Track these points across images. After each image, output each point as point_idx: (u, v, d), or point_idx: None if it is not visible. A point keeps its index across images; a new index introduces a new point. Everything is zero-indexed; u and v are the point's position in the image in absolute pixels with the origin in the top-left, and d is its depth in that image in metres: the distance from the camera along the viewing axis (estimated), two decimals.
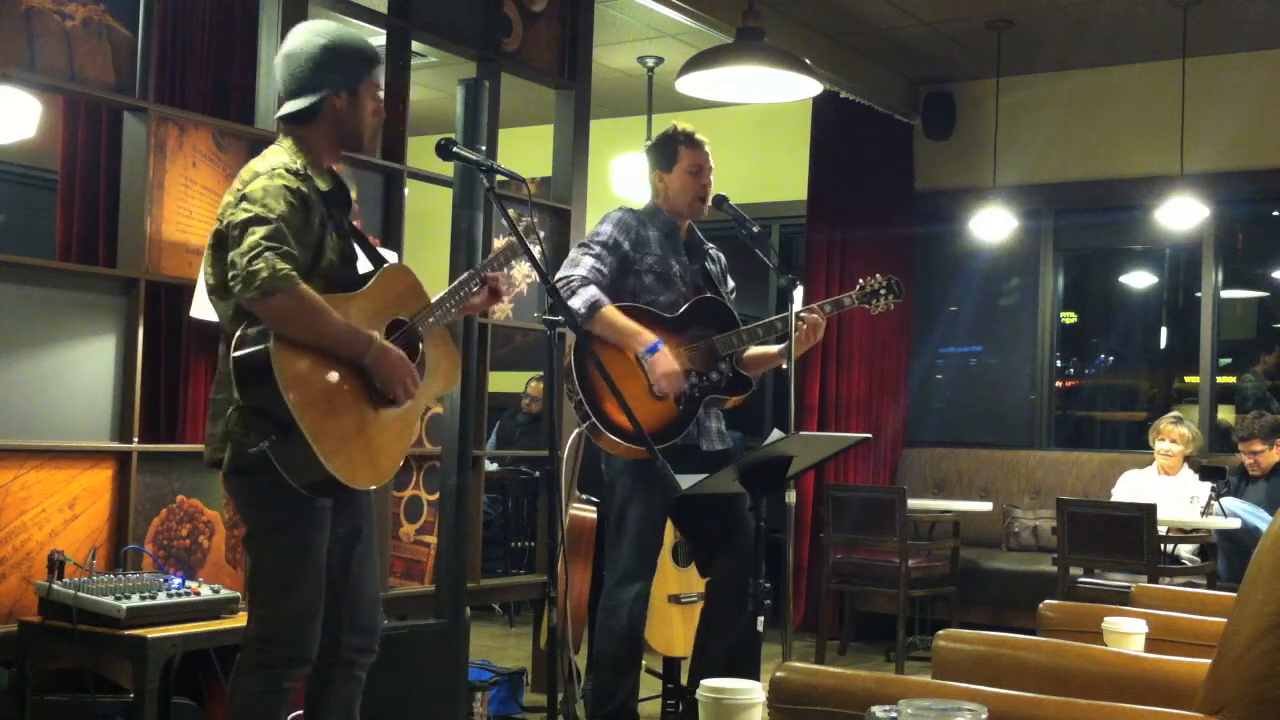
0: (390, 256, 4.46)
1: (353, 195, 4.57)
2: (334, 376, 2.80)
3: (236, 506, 2.92)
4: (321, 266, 2.87)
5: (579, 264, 3.85)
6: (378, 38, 5.13)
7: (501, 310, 5.27)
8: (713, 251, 4.17)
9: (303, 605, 2.87)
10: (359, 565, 3.04)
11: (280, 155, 2.88)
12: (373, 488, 2.94)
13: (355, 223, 3.19)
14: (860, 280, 4.06)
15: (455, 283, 3.17)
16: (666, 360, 3.83)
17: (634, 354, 3.83)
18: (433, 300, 3.10)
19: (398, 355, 2.88)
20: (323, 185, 2.90)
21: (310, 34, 2.96)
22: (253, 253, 2.68)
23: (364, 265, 3.05)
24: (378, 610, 3.12)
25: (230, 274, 2.73)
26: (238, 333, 2.76)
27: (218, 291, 2.85)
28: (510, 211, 3.31)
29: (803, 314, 3.87)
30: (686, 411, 3.88)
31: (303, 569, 2.86)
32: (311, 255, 2.84)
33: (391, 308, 2.98)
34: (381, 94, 3.04)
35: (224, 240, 2.79)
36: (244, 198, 2.77)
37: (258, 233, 2.70)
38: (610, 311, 3.82)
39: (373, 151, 4.49)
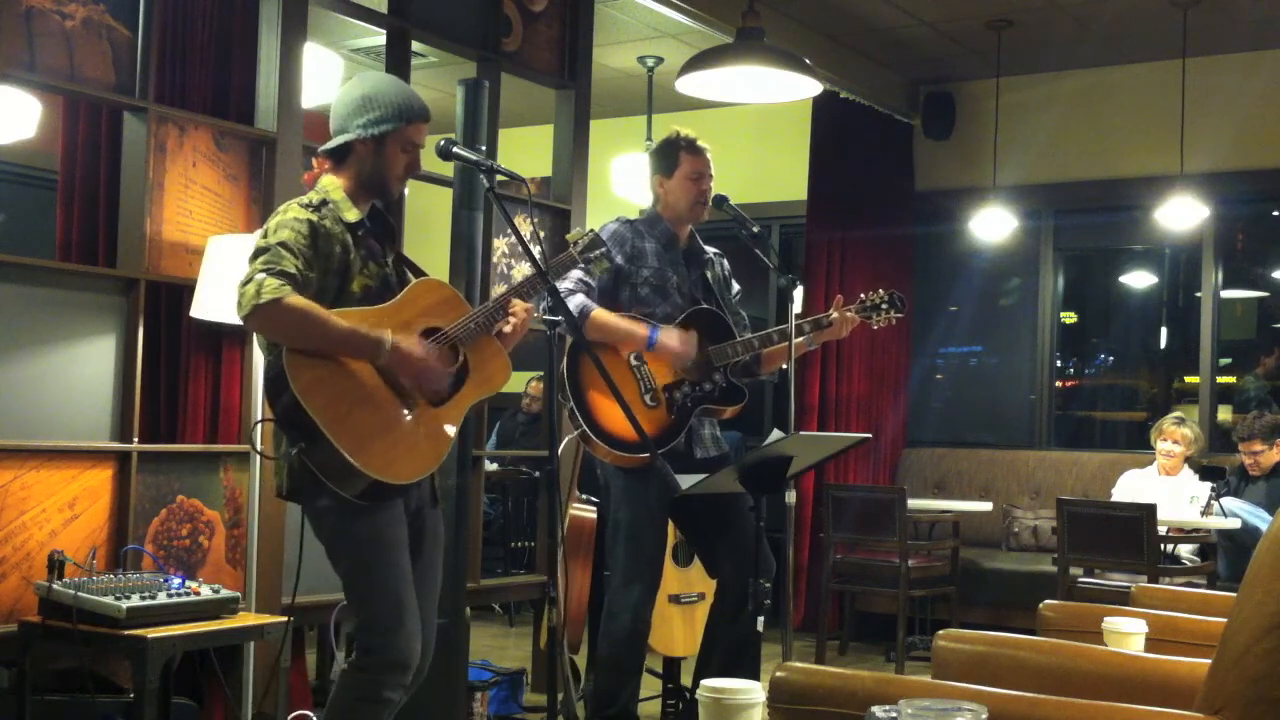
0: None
1: None
2: (353, 378, 2.86)
3: (313, 532, 2.98)
4: (354, 292, 2.95)
5: (566, 278, 3.82)
6: (377, 38, 5.14)
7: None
8: (715, 258, 4.14)
9: (385, 611, 2.90)
10: (415, 582, 3.02)
11: (310, 193, 3.01)
12: (416, 480, 2.96)
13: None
14: (861, 294, 4.00)
15: (492, 301, 3.19)
16: (669, 340, 3.83)
17: (637, 351, 3.83)
18: (473, 310, 3.14)
19: (410, 352, 2.90)
20: (349, 216, 2.97)
21: (357, 80, 3.08)
22: (245, 279, 2.80)
23: None
24: (432, 631, 3.08)
25: None
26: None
27: None
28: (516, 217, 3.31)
29: (834, 315, 3.87)
30: (678, 421, 3.86)
31: (380, 575, 2.90)
32: (338, 280, 2.93)
33: (422, 317, 3.01)
34: (418, 150, 3.08)
35: None
36: (262, 233, 2.91)
37: (254, 262, 2.83)
38: (601, 314, 3.81)
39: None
